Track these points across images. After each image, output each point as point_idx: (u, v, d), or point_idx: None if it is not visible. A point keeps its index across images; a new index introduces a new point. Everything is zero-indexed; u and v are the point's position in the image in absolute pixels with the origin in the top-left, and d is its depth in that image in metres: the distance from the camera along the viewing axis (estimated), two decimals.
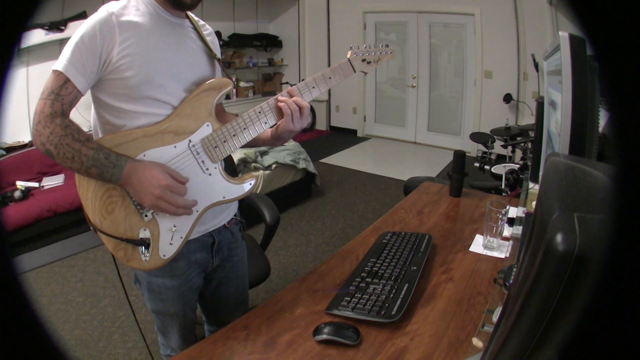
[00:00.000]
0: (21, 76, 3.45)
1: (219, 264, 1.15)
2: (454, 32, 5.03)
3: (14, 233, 2.74)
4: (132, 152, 0.91)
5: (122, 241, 0.94)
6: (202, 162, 0.96)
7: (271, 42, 6.12)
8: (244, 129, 0.98)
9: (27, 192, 3.00)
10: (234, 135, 0.98)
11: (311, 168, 3.59)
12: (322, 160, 4.84)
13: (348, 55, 1.08)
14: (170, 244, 0.96)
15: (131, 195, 0.92)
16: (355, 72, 1.09)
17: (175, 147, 0.94)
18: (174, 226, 0.96)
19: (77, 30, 0.88)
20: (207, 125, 0.97)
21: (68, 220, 3.01)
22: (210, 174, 0.98)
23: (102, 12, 0.89)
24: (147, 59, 0.91)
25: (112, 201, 0.93)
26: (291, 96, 1.00)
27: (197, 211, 0.98)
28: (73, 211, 3.00)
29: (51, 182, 3.23)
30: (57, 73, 0.87)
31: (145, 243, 0.94)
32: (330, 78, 1.05)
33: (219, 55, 1.08)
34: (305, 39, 6.16)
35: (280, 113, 1.01)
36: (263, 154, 3.32)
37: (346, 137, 5.81)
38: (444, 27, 5.10)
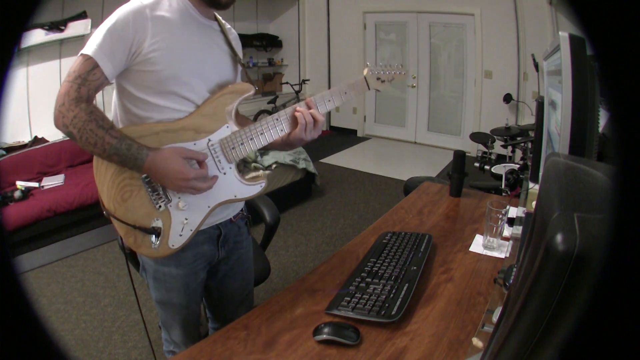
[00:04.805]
0: (21, 76, 3.46)
1: (224, 256, 1.17)
2: (454, 32, 5.03)
3: (14, 233, 2.74)
4: (152, 145, 0.94)
5: (134, 229, 0.97)
6: (219, 161, 1.00)
7: (271, 42, 6.12)
8: (261, 134, 1.02)
9: (27, 192, 3.00)
10: (251, 139, 1.01)
11: (311, 168, 3.59)
12: (322, 160, 4.84)
13: (364, 73, 1.13)
14: (180, 235, 0.99)
15: (153, 181, 0.95)
16: (369, 89, 1.14)
17: (194, 144, 0.97)
18: (186, 219, 0.99)
19: (108, 18, 0.89)
20: (227, 127, 1.00)
21: (68, 220, 3.01)
22: (225, 173, 1.01)
23: (136, 3, 0.90)
24: (176, 56, 0.93)
25: (128, 190, 0.96)
26: (309, 108, 1.04)
27: (209, 207, 1.01)
28: (73, 211, 3.00)
29: (51, 182, 3.22)
30: (86, 57, 0.87)
31: (156, 232, 0.98)
32: (345, 93, 1.09)
33: (241, 58, 1.11)
34: (305, 39, 6.16)
35: (295, 122, 1.04)
36: (263, 154, 3.32)
37: (346, 137, 5.81)
38: (444, 27, 5.09)
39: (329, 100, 1.07)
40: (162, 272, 1.07)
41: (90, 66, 0.87)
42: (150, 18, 0.90)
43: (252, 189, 1.06)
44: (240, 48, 1.12)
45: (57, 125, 0.88)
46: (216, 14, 1.04)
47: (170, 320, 1.16)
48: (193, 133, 0.97)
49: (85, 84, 0.87)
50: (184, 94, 0.96)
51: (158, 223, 0.97)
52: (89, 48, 0.87)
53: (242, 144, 1.01)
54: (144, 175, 0.95)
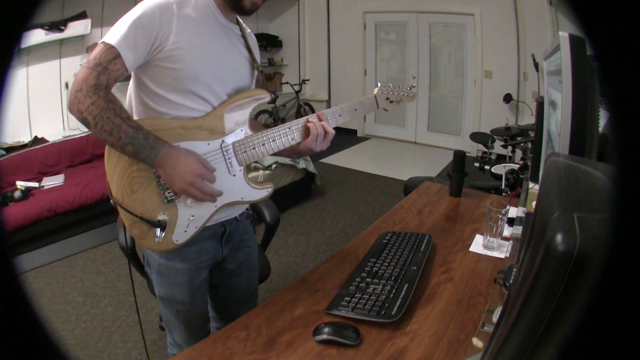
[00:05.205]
0: (21, 76, 3.45)
1: (229, 254, 1.17)
2: (454, 32, 5.03)
3: (14, 233, 2.74)
4: (167, 140, 0.94)
5: (140, 220, 0.97)
6: (230, 163, 1.02)
7: (271, 42, 6.11)
8: (273, 140, 1.05)
9: (27, 192, 3.00)
10: (263, 144, 1.04)
11: (311, 168, 3.59)
12: (322, 160, 4.84)
13: (375, 92, 1.18)
14: (185, 231, 1.00)
15: (162, 178, 0.95)
16: (378, 108, 1.19)
17: (208, 144, 0.99)
18: (192, 216, 1.00)
19: (133, 9, 0.88)
20: (241, 130, 1.03)
21: (68, 220, 3.00)
22: (234, 175, 1.03)
23: None
24: (198, 56, 0.94)
25: (138, 181, 0.96)
26: (320, 120, 1.08)
27: (216, 206, 1.02)
28: (73, 211, 3.00)
29: (51, 182, 3.22)
30: (108, 46, 0.87)
31: (162, 226, 0.98)
32: (355, 110, 1.14)
33: (259, 63, 1.12)
34: (305, 39, 6.16)
35: (306, 133, 1.07)
36: None
37: (346, 137, 5.81)
38: (444, 27, 5.09)
39: (340, 115, 1.12)
40: (167, 267, 1.07)
41: (112, 56, 0.86)
42: (176, 15, 0.90)
43: (259, 193, 1.08)
44: (258, 53, 1.13)
45: (71, 110, 0.88)
46: (238, 18, 1.05)
47: (173, 318, 1.15)
48: (208, 133, 0.98)
49: (105, 72, 0.86)
50: (203, 94, 0.97)
51: (164, 217, 0.98)
52: (112, 37, 0.86)
53: (254, 148, 1.03)
54: (155, 170, 0.95)
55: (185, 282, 1.09)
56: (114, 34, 0.87)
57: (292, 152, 1.12)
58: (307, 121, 1.07)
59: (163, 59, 0.91)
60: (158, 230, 0.98)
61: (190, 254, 1.07)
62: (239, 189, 1.04)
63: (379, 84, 1.18)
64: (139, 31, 0.87)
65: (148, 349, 1.95)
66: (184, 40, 0.91)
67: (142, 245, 1.03)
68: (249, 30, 1.10)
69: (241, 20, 1.07)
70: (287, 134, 1.06)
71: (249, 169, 3.11)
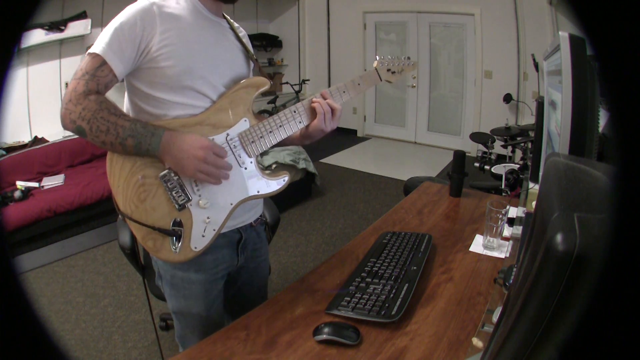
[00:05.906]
0: (21, 76, 3.46)
1: (243, 265, 1.14)
2: (454, 32, 5.03)
3: (14, 233, 2.74)
4: None
5: (153, 230, 0.92)
6: (239, 156, 0.98)
7: (271, 42, 6.12)
8: (280, 126, 1.01)
9: (27, 192, 3.00)
10: (270, 132, 1.00)
11: (311, 168, 3.58)
12: (322, 160, 4.84)
13: (374, 64, 1.15)
14: (203, 236, 0.96)
15: (171, 166, 0.91)
16: (381, 80, 1.15)
17: (213, 139, 0.95)
18: (208, 218, 0.95)
19: (115, 18, 0.88)
20: (245, 120, 0.98)
21: (68, 220, 3.01)
22: (245, 168, 0.99)
23: (144, 1, 0.89)
24: (188, 51, 0.92)
25: (144, 189, 0.92)
26: (324, 98, 1.04)
27: (232, 204, 0.98)
28: (73, 211, 3.00)
29: (51, 182, 3.22)
30: (93, 55, 0.86)
31: (177, 234, 0.93)
32: (359, 84, 1.10)
33: (253, 54, 1.10)
34: (305, 39, 6.16)
35: (313, 115, 1.04)
36: (263, 154, 3.32)
37: (346, 137, 5.81)
38: (444, 27, 5.10)
39: (344, 92, 1.07)
40: (180, 278, 1.02)
41: (98, 63, 0.86)
42: (158, 14, 0.88)
43: (275, 184, 1.02)
44: (251, 45, 1.11)
45: (65, 124, 0.86)
46: (224, 13, 1.04)
47: (189, 334, 1.09)
48: (211, 128, 0.95)
49: (94, 79, 0.85)
50: (200, 88, 0.94)
51: (178, 223, 0.93)
52: (97, 47, 0.86)
53: (261, 137, 0.99)
54: (162, 174, 0.91)
55: (202, 294, 1.04)
56: (98, 44, 0.86)
57: (303, 137, 1.08)
58: (312, 101, 1.03)
59: (153, 59, 0.89)
60: (173, 240, 0.93)
61: (205, 264, 1.02)
62: (253, 183, 1.00)
63: (377, 57, 1.15)
64: (122, 37, 0.86)
65: (149, 349, 1.96)
66: (171, 37, 0.89)
67: (159, 259, 0.97)
68: (237, 25, 1.08)
69: (227, 16, 1.05)
70: (294, 118, 1.02)
71: None
